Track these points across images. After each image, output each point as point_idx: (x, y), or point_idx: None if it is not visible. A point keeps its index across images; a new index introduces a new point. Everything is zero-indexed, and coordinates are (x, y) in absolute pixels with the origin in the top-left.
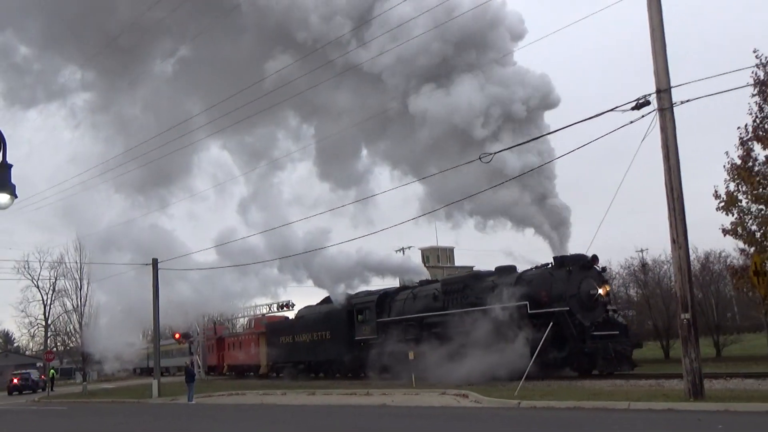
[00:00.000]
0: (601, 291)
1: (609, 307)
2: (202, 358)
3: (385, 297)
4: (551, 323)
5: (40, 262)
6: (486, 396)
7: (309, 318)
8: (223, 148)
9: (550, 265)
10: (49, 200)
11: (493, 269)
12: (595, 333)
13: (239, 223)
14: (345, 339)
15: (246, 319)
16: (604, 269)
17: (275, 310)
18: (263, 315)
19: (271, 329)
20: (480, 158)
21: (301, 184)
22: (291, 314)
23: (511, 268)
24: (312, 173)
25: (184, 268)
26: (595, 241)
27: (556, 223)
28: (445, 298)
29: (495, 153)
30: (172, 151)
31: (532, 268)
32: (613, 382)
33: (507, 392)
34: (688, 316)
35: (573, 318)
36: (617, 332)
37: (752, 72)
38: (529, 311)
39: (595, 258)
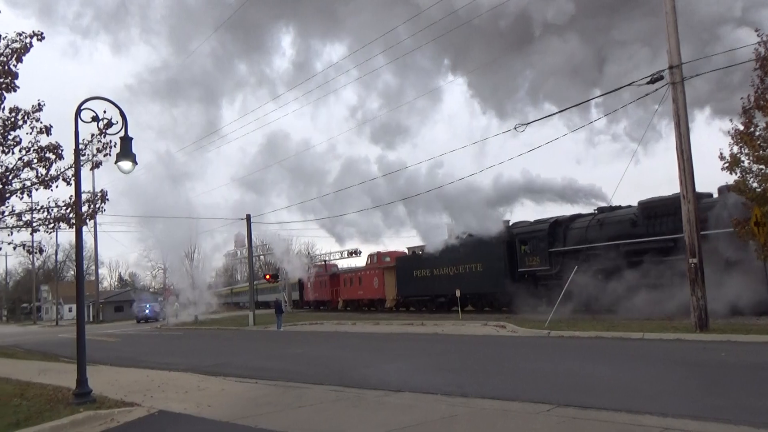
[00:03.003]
0: None
1: None
2: (288, 295)
3: (557, 225)
4: None
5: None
6: (520, 327)
7: (453, 251)
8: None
9: None
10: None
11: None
12: None
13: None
14: (504, 271)
15: (333, 259)
16: None
17: (345, 256)
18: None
19: (402, 263)
20: (516, 128)
21: None
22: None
23: None
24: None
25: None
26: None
27: None
28: (647, 222)
29: (528, 123)
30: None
31: None
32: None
33: (538, 324)
34: (695, 260)
35: None
36: None
37: (755, 49)
38: None
39: None
